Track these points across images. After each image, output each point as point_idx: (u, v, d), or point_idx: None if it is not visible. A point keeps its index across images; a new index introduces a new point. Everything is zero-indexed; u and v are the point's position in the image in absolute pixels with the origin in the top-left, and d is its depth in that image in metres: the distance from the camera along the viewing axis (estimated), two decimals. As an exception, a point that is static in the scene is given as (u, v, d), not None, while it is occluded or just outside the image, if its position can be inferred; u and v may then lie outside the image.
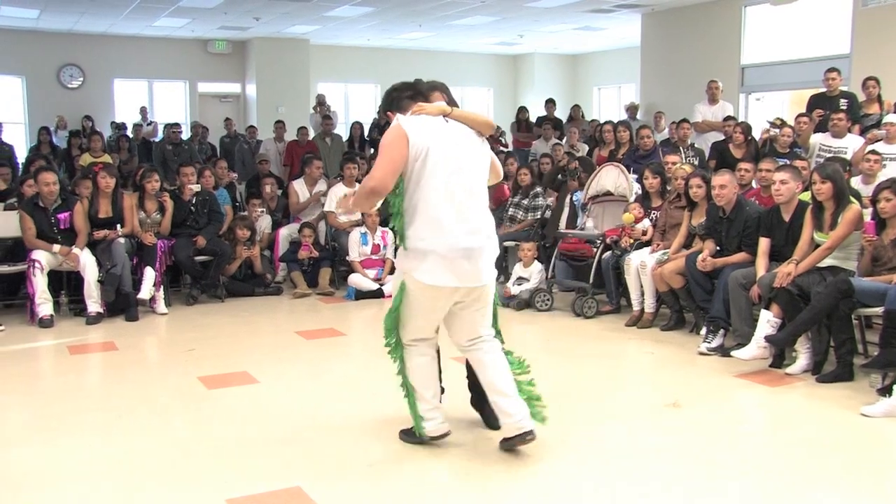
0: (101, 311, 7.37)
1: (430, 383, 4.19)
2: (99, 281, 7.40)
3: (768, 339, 5.56)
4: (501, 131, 14.59)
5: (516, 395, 4.08)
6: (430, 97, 4.13)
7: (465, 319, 4.08)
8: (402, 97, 4.13)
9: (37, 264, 7.24)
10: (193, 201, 8.38)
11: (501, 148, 13.16)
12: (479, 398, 4.40)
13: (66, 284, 7.81)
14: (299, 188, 9.59)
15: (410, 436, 4.25)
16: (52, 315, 7.25)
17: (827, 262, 5.62)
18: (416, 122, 3.88)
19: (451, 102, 4.14)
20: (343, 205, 4.28)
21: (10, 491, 3.79)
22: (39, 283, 7.22)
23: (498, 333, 4.30)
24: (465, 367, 4.41)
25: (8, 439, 4.52)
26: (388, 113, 4.15)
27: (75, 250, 7.39)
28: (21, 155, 13.56)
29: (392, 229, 3.97)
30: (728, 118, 10.27)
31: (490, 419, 4.36)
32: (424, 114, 3.95)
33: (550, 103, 14.46)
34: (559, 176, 9.33)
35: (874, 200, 5.60)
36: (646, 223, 7.33)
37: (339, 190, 8.78)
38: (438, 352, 4.31)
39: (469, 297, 3.99)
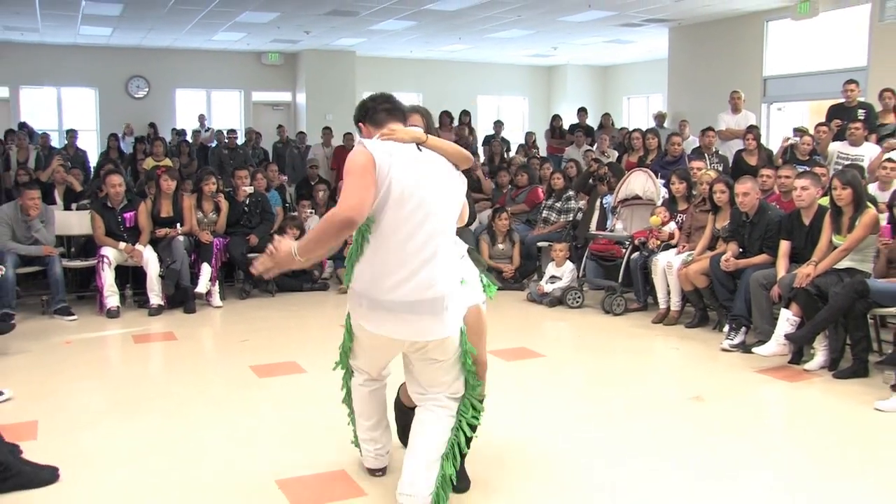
0: (161, 303, 7.48)
1: (373, 414, 3.64)
2: (160, 276, 7.52)
3: (788, 336, 5.49)
4: (534, 138, 14.56)
5: (428, 467, 3.26)
6: (409, 119, 3.41)
7: (420, 371, 3.37)
8: (378, 108, 3.32)
9: (105, 260, 7.37)
10: (247, 202, 8.46)
11: (535, 152, 13.15)
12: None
13: (131, 278, 7.93)
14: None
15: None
16: (118, 307, 7.38)
17: (844, 263, 5.54)
18: (383, 148, 3.09)
19: (429, 131, 3.40)
20: (276, 257, 3.08)
21: (83, 467, 3.86)
22: (107, 277, 7.36)
23: (474, 389, 3.40)
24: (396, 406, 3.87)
25: (81, 418, 4.62)
26: (360, 124, 3.38)
27: (139, 247, 7.51)
28: (93, 159, 13.79)
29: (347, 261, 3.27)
30: (751, 127, 10.15)
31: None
32: (394, 139, 3.16)
33: (582, 112, 14.40)
34: (590, 180, 9.29)
35: (891, 206, 5.52)
36: (672, 226, 7.28)
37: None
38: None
39: (418, 351, 3.27)
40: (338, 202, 3.01)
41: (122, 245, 7.47)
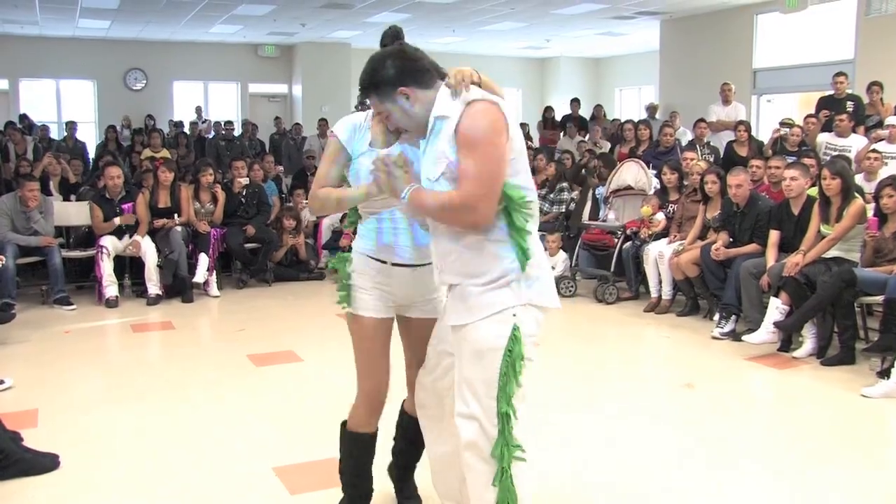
0: (160, 293, 7.46)
1: None
2: (158, 266, 7.50)
3: (777, 324, 5.51)
4: (527, 129, 14.53)
5: None
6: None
7: None
8: (425, 66, 2.46)
9: (104, 250, 7.36)
10: (244, 193, 8.43)
11: (528, 143, 13.11)
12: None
13: (129, 268, 7.91)
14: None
15: None
16: (117, 296, 7.36)
17: (832, 253, 5.55)
18: (496, 101, 2.39)
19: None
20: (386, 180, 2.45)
21: (83, 454, 3.86)
22: (106, 267, 7.35)
23: None
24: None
25: (81, 406, 4.62)
26: (403, 90, 2.40)
27: (137, 237, 7.49)
28: (92, 151, 13.73)
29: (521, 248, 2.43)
30: (741, 122, 10.15)
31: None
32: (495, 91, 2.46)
33: (575, 103, 14.35)
34: (582, 171, 9.27)
35: (877, 197, 5.53)
36: (660, 215, 7.28)
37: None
38: None
39: None
40: (468, 183, 2.26)
41: (118, 219, 7.48)
